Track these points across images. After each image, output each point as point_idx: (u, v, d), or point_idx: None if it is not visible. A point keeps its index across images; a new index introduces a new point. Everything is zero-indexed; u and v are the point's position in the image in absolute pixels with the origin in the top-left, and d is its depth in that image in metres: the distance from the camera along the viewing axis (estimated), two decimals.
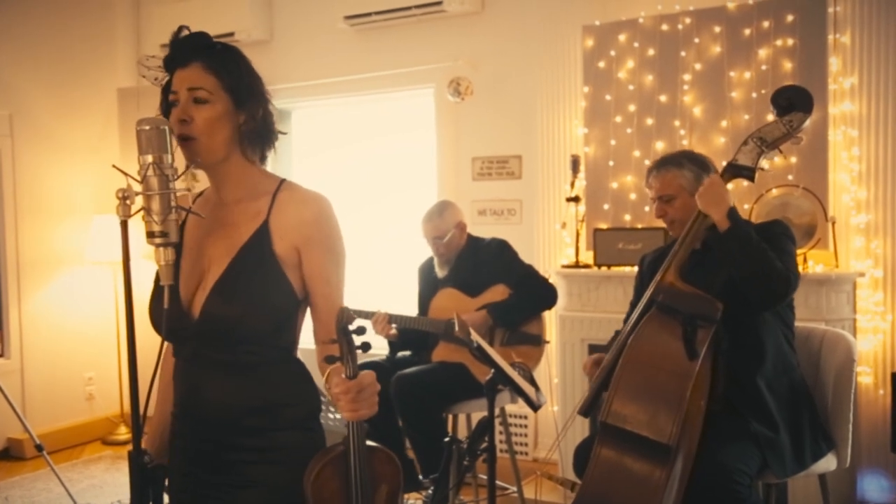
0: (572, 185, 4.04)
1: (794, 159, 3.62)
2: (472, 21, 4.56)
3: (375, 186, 5.12)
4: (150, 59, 1.59)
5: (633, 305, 2.76)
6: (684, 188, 2.66)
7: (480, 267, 3.58)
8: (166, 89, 1.58)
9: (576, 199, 4.02)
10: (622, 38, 4.04)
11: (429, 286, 3.74)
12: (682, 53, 3.90)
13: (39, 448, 3.61)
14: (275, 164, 1.72)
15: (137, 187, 1.42)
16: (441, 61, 4.58)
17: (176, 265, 1.50)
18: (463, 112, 4.60)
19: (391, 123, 5.09)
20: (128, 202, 1.41)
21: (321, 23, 4.98)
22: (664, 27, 3.94)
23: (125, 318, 1.44)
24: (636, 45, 4.00)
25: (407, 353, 3.74)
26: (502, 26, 4.48)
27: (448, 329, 3.35)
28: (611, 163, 4.07)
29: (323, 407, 1.71)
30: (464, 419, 3.72)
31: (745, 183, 2.59)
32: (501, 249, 3.61)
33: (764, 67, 3.72)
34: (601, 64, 4.09)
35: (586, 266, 4.00)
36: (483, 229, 4.04)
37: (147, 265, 2.07)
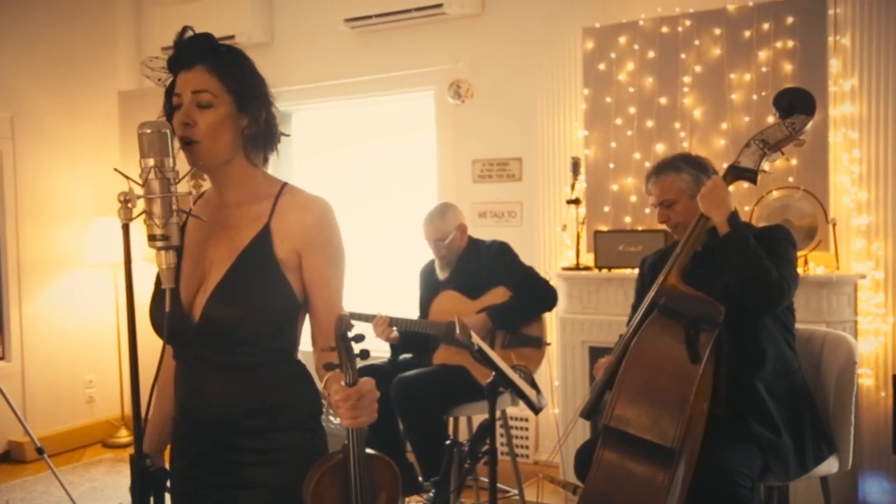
0: (573, 187, 4.04)
1: (794, 161, 3.62)
2: (472, 23, 4.57)
3: (376, 189, 5.12)
4: (154, 60, 1.59)
5: (635, 308, 2.76)
6: (684, 191, 2.66)
7: (481, 269, 3.58)
8: (169, 91, 1.58)
9: (576, 202, 4.02)
10: (622, 40, 4.04)
11: (429, 288, 3.74)
12: (683, 56, 3.90)
13: (40, 451, 3.61)
14: (275, 166, 1.72)
15: (139, 190, 1.42)
16: (441, 64, 4.58)
17: (177, 268, 1.50)
18: (463, 114, 4.60)
19: (391, 126, 5.09)
20: (129, 205, 1.40)
21: (322, 25, 4.98)
22: (664, 29, 3.94)
23: (127, 321, 1.44)
24: (636, 47, 4.00)
25: (408, 355, 3.73)
26: (502, 29, 4.48)
27: (449, 332, 3.34)
28: (611, 165, 4.07)
29: (324, 410, 1.71)
30: (465, 422, 3.72)
31: (746, 185, 2.59)
32: (502, 252, 3.61)
33: (764, 69, 3.72)
34: (601, 66, 4.09)
35: (587, 268, 4.00)
36: (483, 231, 4.04)
37: (148, 268, 2.07)
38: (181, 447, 1.66)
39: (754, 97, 3.74)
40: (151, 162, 1.41)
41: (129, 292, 1.43)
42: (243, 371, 1.57)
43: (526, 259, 3.67)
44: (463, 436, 3.63)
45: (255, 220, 1.60)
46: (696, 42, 3.87)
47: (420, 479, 3.45)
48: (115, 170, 1.52)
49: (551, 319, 3.87)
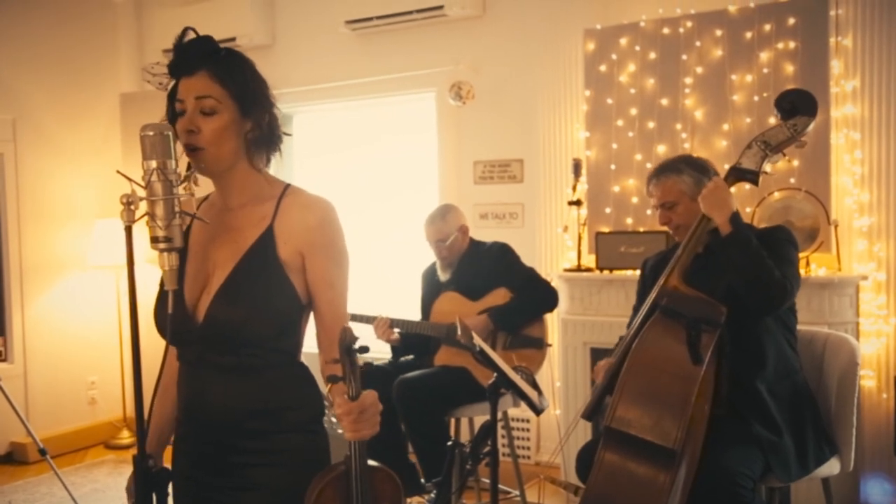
0: (574, 188, 4.04)
1: (796, 163, 3.62)
2: (473, 25, 4.57)
3: (377, 190, 5.12)
4: (156, 66, 1.59)
5: (636, 309, 2.76)
6: (685, 193, 2.66)
7: (482, 270, 3.58)
8: (171, 95, 1.58)
9: (577, 203, 4.02)
10: (623, 41, 4.04)
11: (431, 290, 3.74)
12: (684, 57, 3.90)
13: (43, 452, 3.61)
14: (277, 168, 1.72)
15: (141, 192, 1.42)
16: (442, 65, 4.58)
17: (180, 270, 1.50)
18: (464, 116, 4.60)
19: (392, 127, 5.09)
20: (132, 207, 1.41)
21: (323, 27, 4.98)
22: (665, 31, 3.94)
23: (129, 323, 1.44)
24: (637, 48, 4.01)
25: (409, 357, 3.74)
26: (503, 30, 4.48)
27: (450, 333, 3.35)
28: (612, 166, 4.07)
29: (327, 412, 1.71)
30: (466, 423, 3.72)
31: (748, 186, 2.59)
32: (503, 253, 3.61)
33: (765, 70, 3.72)
34: (602, 67, 4.09)
35: (588, 269, 4.00)
36: (485, 233, 4.04)
37: (150, 269, 2.07)
38: (184, 448, 1.66)
39: (756, 98, 3.74)
40: (154, 164, 1.41)
41: (131, 294, 1.43)
42: (246, 373, 1.57)
43: (527, 260, 3.67)
44: (464, 437, 3.63)
45: (258, 222, 1.60)
46: (698, 43, 3.88)
47: (422, 480, 3.45)
48: (118, 172, 1.52)
49: (552, 321, 3.87)
